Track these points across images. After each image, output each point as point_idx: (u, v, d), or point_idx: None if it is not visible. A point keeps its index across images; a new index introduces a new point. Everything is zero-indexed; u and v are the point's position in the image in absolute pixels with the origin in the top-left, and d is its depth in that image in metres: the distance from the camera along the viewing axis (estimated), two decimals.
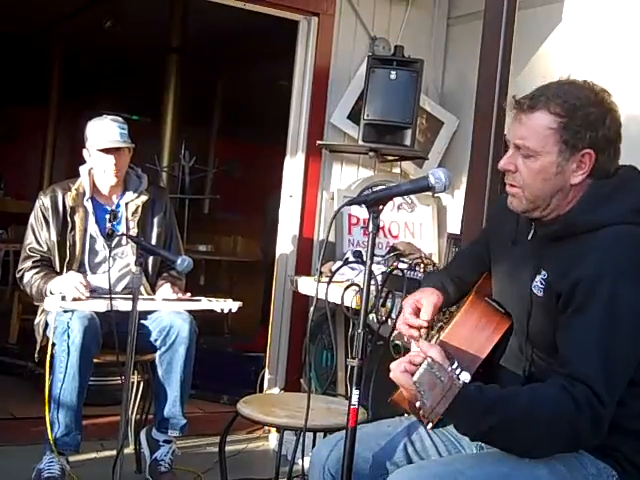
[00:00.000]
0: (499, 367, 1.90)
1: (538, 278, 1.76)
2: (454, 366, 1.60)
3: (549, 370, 1.72)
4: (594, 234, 1.70)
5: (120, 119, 3.31)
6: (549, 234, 1.78)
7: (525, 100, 1.76)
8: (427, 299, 2.01)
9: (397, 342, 1.70)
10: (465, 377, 1.58)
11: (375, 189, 1.80)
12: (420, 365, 1.59)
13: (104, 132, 3.24)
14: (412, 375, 1.59)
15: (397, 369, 1.65)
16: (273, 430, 3.87)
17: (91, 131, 3.28)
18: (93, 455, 3.48)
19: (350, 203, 1.81)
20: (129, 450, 3.33)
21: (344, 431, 1.81)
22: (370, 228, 1.75)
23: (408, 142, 3.85)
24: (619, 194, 1.73)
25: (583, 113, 1.71)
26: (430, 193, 4.20)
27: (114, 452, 2.69)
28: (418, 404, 1.59)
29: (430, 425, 1.61)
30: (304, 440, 2.57)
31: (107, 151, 3.24)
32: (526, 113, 1.75)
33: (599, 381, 1.59)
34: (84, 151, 3.33)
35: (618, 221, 1.69)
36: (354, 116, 4.04)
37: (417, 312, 2.00)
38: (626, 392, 1.67)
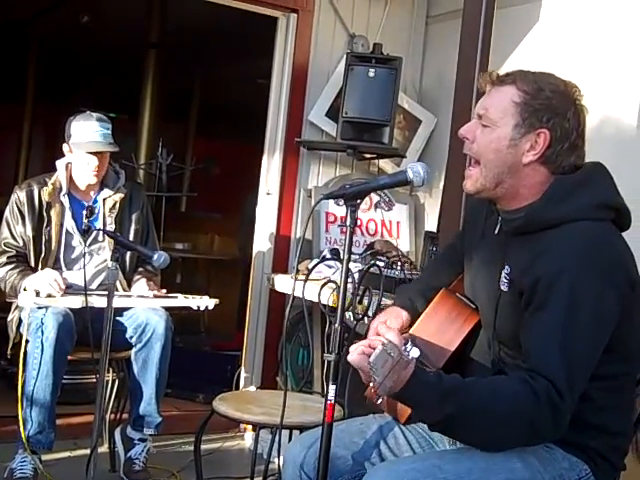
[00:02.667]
0: (470, 361, 1.90)
1: (503, 273, 1.78)
2: (407, 344, 1.60)
3: (515, 367, 1.72)
4: (555, 230, 1.71)
5: (105, 118, 3.26)
6: (512, 229, 1.79)
7: (498, 74, 1.81)
8: (391, 323, 2.02)
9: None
10: (414, 353, 1.58)
11: (353, 182, 1.79)
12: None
13: (90, 134, 3.19)
14: (369, 357, 1.58)
15: (355, 352, 1.65)
16: (249, 429, 3.85)
17: (76, 130, 3.22)
18: (67, 454, 3.45)
19: (328, 197, 1.80)
20: (103, 449, 3.30)
21: (318, 430, 1.80)
22: (348, 222, 1.74)
23: (386, 140, 3.86)
24: (581, 190, 1.73)
25: (547, 96, 1.74)
26: (407, 191, 4.27)
27: (88, 451, 2.66)
28: (371, 384, 1.58)
29: (379, 400, 1.61)
30: (280, 437, 2.55)
31: (92, 152, 3.20)
32: (495, 86, 1.80)
33: (560, 375, 1.59)
34: (64, 146, 3.28)
35: (579, 217, 1.70)
36: (332, 113, 4.04)
37: None
38: (591, 386, 1.67)
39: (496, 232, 1.86)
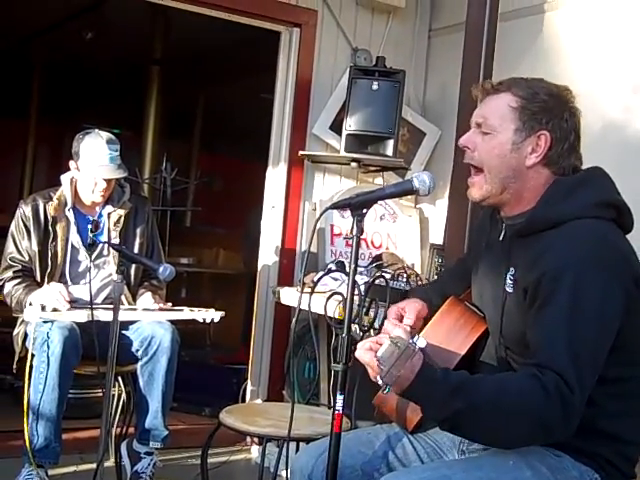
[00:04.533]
0: (478, 367, 1.90)
1: (508, 275, 1.79)
2: (414, 337, 1.61)
3: (523, 366, 1.72)
4: (558, 229, 1.72)
5: (114, 139, 3.23)
6: (515, 231, 1.80)
7: (492, 83, 1.85)
8: (410, 307, 2.03)
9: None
10: (421, 343, 1.59)
11: (359, 192, 1.79)
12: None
13: (100, 157, 3.17)
14: (376, 352, 1.59)
15: (362, 347, 1.65)
16: (255, 442, 3.84)
17: (85, 151, 3.19)
18: (73, 468, 3.43)
19: (335, 207, 1.81)
20: (109, 463, 3.30)
21: (326, 441, 1.80)
22: (354, 232, 1.74)
23: (390, 153, 3.87)
24: (581, 189, 1.75)
25: (543, 99, 1.78)
26: (412, 204, 4.27)
27: (94, 465, 2.65)
28: (378, 377, 1.59)
29: (386, 390, 1.60)
30: (288, 449, 2.55)
31: None
32: (490, 94, 1.83)
33: (568, 369, 1.58)
34: (70, 162, 3.26)
35: (580, 215, 1.72)
36: (336, 127, 4.05)
37: (401, 319, 2.02)
38: (600, 391, 1.66)
39: (501, 239, 1.88)
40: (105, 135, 3.23)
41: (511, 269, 1.78)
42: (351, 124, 3.85)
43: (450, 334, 1.91)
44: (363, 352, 1.64)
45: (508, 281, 1.78)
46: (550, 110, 1.78)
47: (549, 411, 1.57)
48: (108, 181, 3.23)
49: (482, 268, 1.94)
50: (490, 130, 1.80)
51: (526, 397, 1.59)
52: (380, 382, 1.59)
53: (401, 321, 2.01)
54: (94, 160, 3.18)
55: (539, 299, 1.68)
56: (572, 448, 1.70)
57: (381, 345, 1.58)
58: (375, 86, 3.85)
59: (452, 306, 1.99)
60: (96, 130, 3.27)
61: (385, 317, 2.07)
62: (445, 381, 1.61)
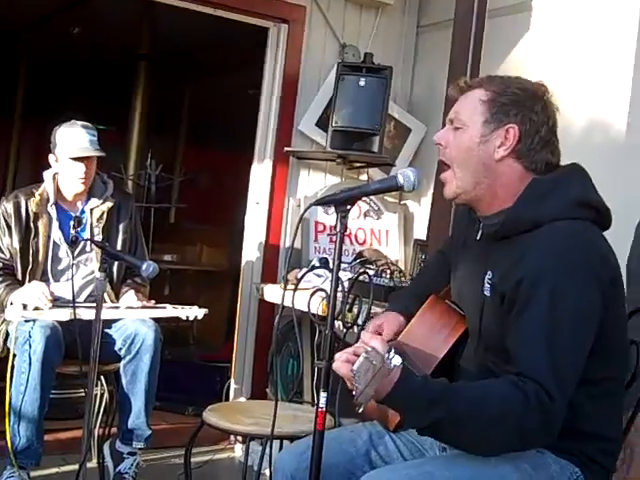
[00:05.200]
0: (458, 369, 1.89)
1: (486, 279, 1.77)
2: (390, 352, 1.58)
3: (503, 372, 1.70)
4: (535, 232, 1.70)
5: (90, 125, 3.26)
6: (492, 234, 1.79)
7: (467, 80, 1.86)
8: (389, 326, 2.02)
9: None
10: (396, 361, 1.57)
11: (343, 188, 1.77)
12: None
13: (75, 140, 3.18)
14: (353, 365, 1.57)
15: (339, 359, 1.64)
16: (239, 440, 3.82)
17: (61, 138, 3.21)
18: (55, 469, 3.41)
19: (319, 203, 1.79)
20: (92, 464, 3.28)
21: (309, 439, 1.78)
22: (338, 228, 1.72)
23: (376, 149, 3.85)
24: (557, 190, 1.74)
25: (514, 92, 1.78)
26: (397, 200, 4.26)
27: (76, 466, 2.62)
28: (354, 392, 1.57)
29: (360, 409, 1.58)
30: (271, 447, 2.52)
31: (78, 159, 3.18)
32: (465, 92, 1.83)
33: (548, 377, 1.57)
34: (50, 157, 3.26)
35: (557, 217, 1.70)
36: (322, 123, 4.03)
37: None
38: (579, 393, 1.66)
39: (478, 238, 1.86)
40: (80, 122, 3.24)
41: (489, 272, 1.77)
42: (337, 120, 3.83)
43: (431, 335, 1.90)
44: (340, 364, 1.63)
45: (486, 285, 1.77)
46: (520, 103, 1.77)
47: (530, 420, 1.57)
48: (87, 165, 3.21)
49: (460, 268, 1.94)
50: (461, 125, 1.80)
51: (507, 406, 1.58)
52: (354, 400, 1.57)
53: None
54: (70, 144, 3.18)
55: (517, 305, 1.66)
56: (553, 446, 1.70)
57: (358, 356, 1.56)
58: (362, 82, 3.83)
59: (433, 305, 1.98)
60: (72, 120, 3.27)
61: (368, 315, 2.06)
62: (424, 390, 1.60)
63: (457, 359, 1.89)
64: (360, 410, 1.60)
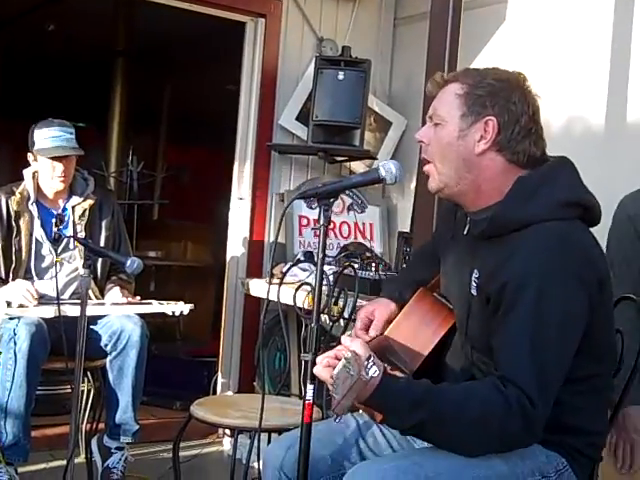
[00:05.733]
0: (445, 364, 1.89)
1: (473, 277, 1.76)
2: (369, 360, 1.57)
3: (487, 373, 1.71)
4: (521, 233, 1.68)
5: (67, 123, 3.26)
6: (479, 233, 1.77)
7: (443, 75, 1.83)
8: (380, 313, 2.01)
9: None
10: (373, 372, 1.55)
11: (326, 182, 1.79)
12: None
13: (52, 139, 3.18)
14: (334, 369, 1.57)
15: (320, 364, 1.64)
16: (227, 434, 3.83)
17: (38, 137, 3.21)
18: (43, 465, 3.41)
19: (302, 196, 1.80)
20: (80, 459, 3.26)
21: (297, 431, 1.79)
22: (321, 221, 1.73)
23: (357, 142, 3.87)
24: (545, 188, 1.71)
25: (489, 83, 1.75)
26: (380, 193, 4.28)
27: (64, 462, 2.63)
28: (332, 398, 1.57)
29: (338, 419, 1.60)
30: (259, 440, 2.54)
31: (56, 158, 3.18)
32: (442, 87, 1.81)
33: (531, 383, 1.57)
34: (28, 155, 3.26)
35: (545, 217, 1.67)
36: (303, 117, 4.04)
37: (369, 324, 2.00)
38: (565, 390, 1.66)
39: (465, 233, 1.84)
40: (57, 120, 3.24)
41: (475, 271, 1.75)
42: (317, 114, 3.84)
43: (419, 328, 1.90)
44: (321, 369, 1.63)
45: (473, 283, 1.76)
46: (496, 93, 1.74)
47: (511, 425, 1.57)
48: (65, 164, 3.20)
49: (449, 262, 1.92)
50: (439, 120, 1.78)
51: (488, 409, 1.57)
52: (332, 409, 1.58)
53: (370, 325, 2.00)
54: (47, 143, 3.18)
55: (502, 308, 1.65)
56: (542, 440, 1.69)
57: (339, 360, 1.55)
58: (341, 76, 3.85)
59: (421, 298, 1.97)
60: (49, 118, 3.26)
61: (354, 308, 2.06)
62: (406, 393, 1.60)
63: (444, 353, 1.89)
64: (337, 421, 1.61)
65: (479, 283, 1.73)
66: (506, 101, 1.74)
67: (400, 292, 2.05)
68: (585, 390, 1.73)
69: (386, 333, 1.94)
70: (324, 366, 1.63)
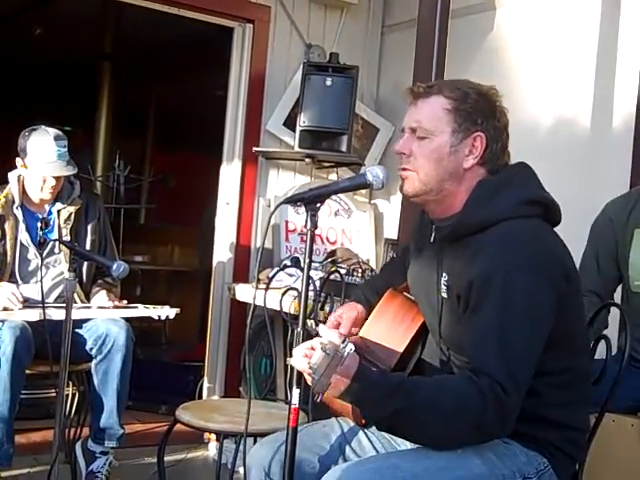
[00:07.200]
0: (422, 361, 1.92)
1: (442, 281, 1.80)
2: (344, 341, 1.62)
3: (464, 369, 1.73)
4: (486, 233, 1.73)
5: (62, 135, 3.20)
6: (444, 237, 1.81)
7: (421, 87, 1.84)
8: (347, 313, 2.07)
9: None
10: (349, 349, 1.59)
11: (312, 187, 1.80)
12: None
13: (47, 154, 3.13)
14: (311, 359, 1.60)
15: (298, 355, 1.66)
16: (213, 438, 3.82)
17: (32, 148, 3.15)
18: (26, 470, 3.38)
19: (288, 201, 1.81)
20: (64, 464, 3.25)
21: (282, 434, 1.79)
22: (308, 226, 1.74)
23: (344, 148, 3.88)
24: (505, 189, 1.76)
25: (474, 99, 1.79)
26: (367, 199, 4.30)
27: (48, 467, 2.61)
28: (311, 383, 1.60)
29: (318, 398, 1.62)
30: (245, 445, 2.54)
31: None
32: (422, 98, 1.82)
33: (500, 372, 1.60)
34: (17, 160, 3.21)
35: (507, 216, 1.72)
36: (290, 123, 4.06)
37: (338, 326, 2.06)
38: (543, 382, 1.70)
39: (431, 240, 1.88)
40: (52, 131, 3.18)
41: (444, 275, 1.80)
42: (305, 120, 3.85)
43: (391, 326, 1.93)
44: (298, 359, 1.65)
45: (442, 287, 1.80)
46: (482, 110, 1.79)
47: (485, 413, 1.59)
48: (57, 178, 3.19)
49: (416, 270, 1.97)
50: (426, 134, 1.80)
51: (463, 399, 1.60)
52: (312, 390, 1.60)
53: (338, 327, 2.05)
54: (42, 157, 3.14)
55: (471, 305, 1.69)
56: (520, 436, 1.73)
57: (315, 350, 1.59)
58: (329, 82, 3.86)
59: (391, 298, 2.01)
60: (43, 126, 3.22)
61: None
62: (382, 383, 1.63)
63: (420, 350, 1.93)
64: (318, 399, 1.62)
65: (449, 285, 1.78)
66: (492, 118, 1.79)
67: (366, 296, 2.12)
68: (561, 383, 1.76)
69: (360, 334, 1.97)
70: (301, 356, 1.65)
